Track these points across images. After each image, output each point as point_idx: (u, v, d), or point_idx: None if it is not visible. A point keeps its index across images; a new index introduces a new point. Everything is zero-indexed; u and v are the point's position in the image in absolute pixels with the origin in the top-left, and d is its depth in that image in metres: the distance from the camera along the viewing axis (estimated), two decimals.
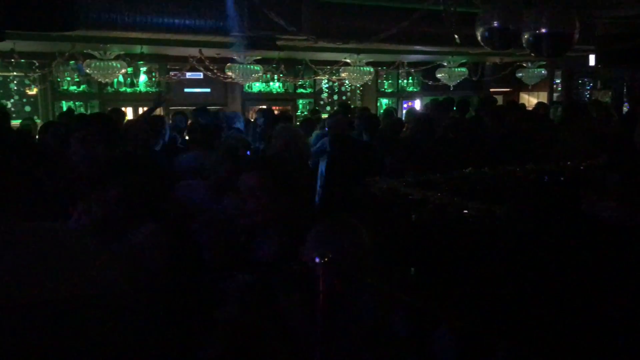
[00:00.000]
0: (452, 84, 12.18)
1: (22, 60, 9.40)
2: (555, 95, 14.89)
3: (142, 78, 11.26)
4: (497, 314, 2.00)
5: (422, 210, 3.32)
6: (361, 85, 12.47)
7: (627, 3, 9.17)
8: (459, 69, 12.08)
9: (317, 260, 1.42)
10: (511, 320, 1.86)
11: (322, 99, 13.37)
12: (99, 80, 9.40)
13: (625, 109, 12.62)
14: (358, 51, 10.55)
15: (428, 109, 8.77)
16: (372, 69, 11.18)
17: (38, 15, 5.19)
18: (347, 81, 12.17)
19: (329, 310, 1.31)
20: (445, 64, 12.11)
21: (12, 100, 10.37)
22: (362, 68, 10.91)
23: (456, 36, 7.82)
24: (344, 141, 5.38)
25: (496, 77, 13.43)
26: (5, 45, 8.46)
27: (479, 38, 6.86)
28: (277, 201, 2.84)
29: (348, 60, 11.01)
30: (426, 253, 3.40)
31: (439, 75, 12.21)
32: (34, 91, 10.52)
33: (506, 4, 6.59)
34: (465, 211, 3.14)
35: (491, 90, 14.32)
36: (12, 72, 9.93)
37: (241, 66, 9.86)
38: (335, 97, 13.45)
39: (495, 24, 6.43)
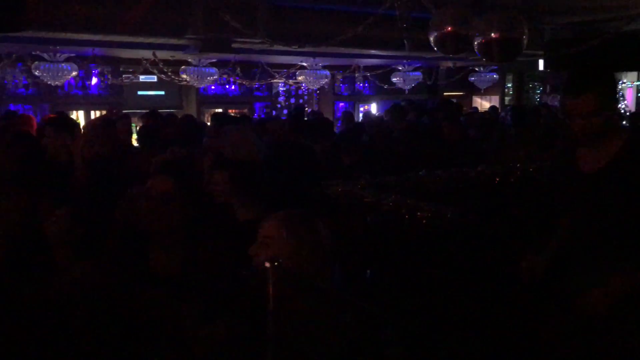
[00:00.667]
0: (407, 87, 12.35)
1: None
2: (507, 99, 15.28)
3: (94, 81, 11.00)
4: (447, 314, 2.04)
5: (376, 213, 3.35)
6: (318, 89, 12.51)
7: (574, 10, 9.51)
8: (413, 73, 12.26)
9: (267, 265, 1.41)
10: (461, 321, 1.90)
11: (279, 102, 13.36)
12: (49, 82, 9.14)
13: None
14: (314, 55, 10.58)
15: (386, 113, 8.88)
16: (328, 73, 11.23)
17: None
18: (303, 84, 12.18)
19: (278, 316, 1.30)
20: (400, 68, 12.27)
21: None
22: (318, 72, 10.95)
23: (406, 42, 7.95)
24: (280, 146, 5.27)
25: (450, 81, 13.70)
26: None
27: (432, 43, 6.97)
28: (175, 208, 2.68)
29: (304, 64, 11.04)
30: (381, 255, 3.43)
31: (394, 80, 12.36)
32: None
33: (458, 9, 6.73)
34: (419, 213, 3.18)
35: (445, 94, 14.60)
36: None
37: (196, 69, 9.75)
38: (292, 100, 13.45)
39: (447, 28, 6.56)
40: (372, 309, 1.52)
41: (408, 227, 3.27)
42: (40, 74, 8.83)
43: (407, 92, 12.42)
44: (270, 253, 1.80)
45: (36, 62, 8.84)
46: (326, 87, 12.40)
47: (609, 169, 2.34)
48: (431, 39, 6.95)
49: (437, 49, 7.05)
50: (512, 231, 3.63)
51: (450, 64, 13.07)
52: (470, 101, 15.12)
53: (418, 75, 12.33)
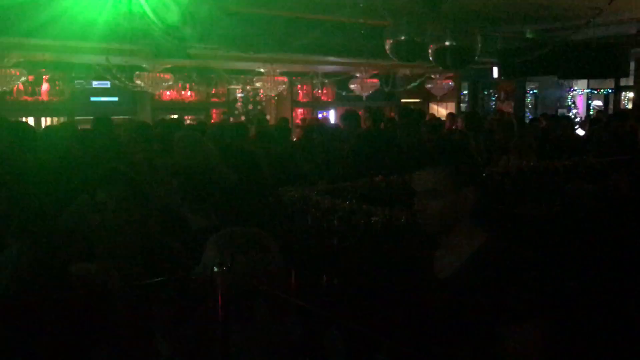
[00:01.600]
0: (364, 94, 12.44)
1: None
2: (463, 106, 15.57)
3: (45, 87, 10.69)
4: (399, 318, 2.03)
5: (331, 218, 3.34)
6: (276, 95, 12.48)
7: (525, 19, 9.77)
8: (371, 80, 12.36)
9: (216, 269, 1.38)
10: (413, 325, 1.89)
11: (237, 109, 13.26)
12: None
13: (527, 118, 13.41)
14: (272, 61, 10.56)
15: (341, 120, 8.90)
16: (286, 79, 11.21)
17: None
18: (261, 91, 12.14)
19: (227, 319, 1.27)
20: (357, 75, 12.36)
21: None
22: (276, 78, 10.92)
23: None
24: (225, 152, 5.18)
25: (407, 88, 13.87)
26: None
27: (388, 50, 7.05)
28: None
29: (262, 70, 11.00)
30: (336, 260, 3.42)
31: (351, 86, 12.44)
32: None
33: (413, 17, 6.83)
34: (373, 218, 3.18)
35: (402, 100, 14.77)
36: None
37: (150, 75, 9.59)
38: (250, 106, 13.37)
39: (402, 36, 6.65)
40: (319, 312, 1.50)
41: (363, 232, 3.27)
42: None
43: (365, 98, 12.51)
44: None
45: None
46: (284, 93, 12.38)
47: (456, 277, 1.84)
48: (387, 46, 7.04)
49: (393, 56, 7.14)
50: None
51: (407, 71, 13.24)
52: (427, 108, 15.34)
53: (375, 82, 12.43)
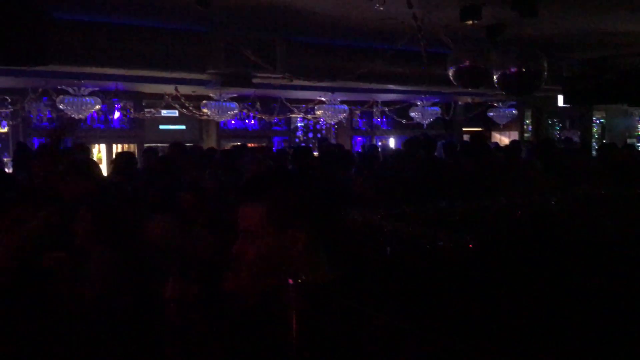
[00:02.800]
0: (425, 122, 12.39)
1: None
2: (525, 135, 15.23)
3: (117, 115, 11.20)
4: (468, 344, 1.99)
5: (396, 243, 3.32)
6: (336, 123, 12.61)
7: (591, 46, 9.53)
8: (431, 108, 12.30)
9: (290, 281, 1.40)
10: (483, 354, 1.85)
11: (297, 137, 13.47)
12: (73, 116, 9.32)
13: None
14: (332, 90, 10.70)
15: (403, 146, 8.88)
16: (346, 107, 11.32)
17: (10, 50, 5.17)
18: (322, 119, 12.30)
19: (302, 333, 1.28)
20: (418, 103, 12.33)
21: None
22: (336, 106, 11.04)
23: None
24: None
25: (468, 116, 13.72)
26: None
27: (451, 77, 7.04)
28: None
29: (323, 99, 11.15)
30: (401, 285, 3.38)
31: (412, 114, 12.41)
32: (4, 130, 10.40)
33: (476, 44, 6.80)
34: (441, 243, 3.14)
35: (463, 129, 14.60)
36: None
37: (217, 103, 9.89)
38: (310, 134, 13.55)
39: (466, 63, 6.63)
40: (398, 323, 1.49)
41: (429, 257, 3.22)
42: (65, 107, 9.02)
43: (425, 127, 12.45)
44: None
45: (61, 96, 9.05)
46: (344, 121, 12.49)
47: None
48: (450, 73, 7.02)
49: (456, 83, 7.11)
50: (534, 264, 3.57)
51: (468, 99, 13.11)
52: (490, 137, 15.08)
53: (436, 110, 12.37)
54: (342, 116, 11.34)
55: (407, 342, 1.48)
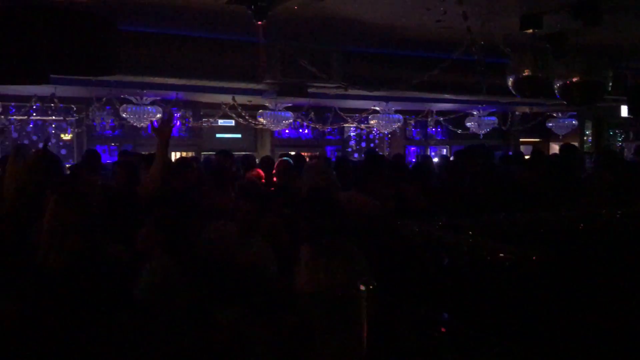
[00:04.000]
0: (481, 132, 12.18)
1: (61, 105, 9.72)
2: (585, 146, 14.76)
3: (176, 123, 11.52)
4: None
5: (455, 254, 3.28)
6: (389, 133, 12.56)
7: None
8: (488, 118, 12.09)
9: (362, 288, 1.41)
10: None
11: (350, 146, 13.49)
12: (134, 124, 9.65)
13: None
14: (387, 99, 10.67)
15: (456, 157, 8.76)
16: (400, 117, 11.26)
17: (80, 61, 5.39)
18: (375, 129, 12.30)
19: (373, 340, 1.29)
20: (474, 113, 12.14)
21: (49, 144, 10.68)
22: (390, 116, 11.01)
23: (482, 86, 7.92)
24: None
25: (526, 127, 13.41)
26: (46, 90, 8.80)
27: (510, 86, 6.90)
28: None
29: (377, 108, 11.14)
30: (459, 297, 3.33)
31: (468, 124, 12.24)
32: (68, 137, 10.85)
33: (536, 52, 6.65)
34: (501, 254, 3.08)
35: (521, 140, 14.28)
36: (51, 116, 10.26)
37: (272, 113, 10.03)
38: (363, 144, 13.55)
39: (526, 72, 6.48)
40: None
41: (489, 269, 3.17)
42: (127, 116, 9.34)
43: (481, 137, 12.24)
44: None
45: (124, 105, 9.38)
46: (398, 131, 12.43)
47: None
48: (509, 82, 6.89)
49: (515, 92, 6.97)
50: (599, 278, 3.45)
51: (526, 109, 12.82)
52: (548, 148, 14.69)
53: (493, 120, 12.15)
54: (396, 126, 11.30)
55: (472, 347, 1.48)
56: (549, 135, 14.25)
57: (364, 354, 1.28)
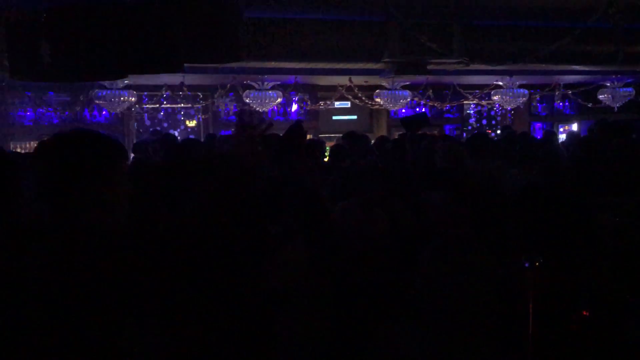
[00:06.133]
0: (616, 105, 11.26)
1: (189, 93, 10.24)
2: None
3: (294, 107, 11.74)
4: None
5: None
6: (512, 109, 11.98)
7: None
8: (624, 89, 11.14)
9: (527, 265, 1.33)
10: None
11: (470, 124, 13.05)
12: (257, 109, 9.94)
13: None
14: (511, 73, 10.17)
15: (592, 132, 8.14)
16: (526, 92, 10.68)
17: (210, 48, 5.59)
18: (497, 105, 11.78)
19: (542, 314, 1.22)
20: (608, 84, 11.25)
21: (178, 130, 11.32)
22: (515, 90, 10.47)
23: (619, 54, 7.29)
24: None
25: None
26: (176, 78, 9.30)
27: None
28: None
29: (500, 83, 10.65)
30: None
31: (600, 97, 11.35)
32: (192, 123, 11.42)
33: None
34: None
35: None
36: (180, 104, 10.86)
37: (390, 92, 9.91)
38: (484, 121, 13.05)
39: None
40: None
41: None
42: (250, 101, 9.64)
43: (615, 110, 11.32)
44: None
45: (247, 91, 9.69)
46: (521, 107, 11.81)
47: None
48: None
49: None
50: None
51: None
52: None
53: (629, 91, 11.17)
54: (521, 101, 10.74)
55: None
56: None
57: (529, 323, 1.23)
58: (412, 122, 5.49)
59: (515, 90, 10.50)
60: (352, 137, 6.76)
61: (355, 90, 10.40)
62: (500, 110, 12.59)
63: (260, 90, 9.61)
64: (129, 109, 9.97)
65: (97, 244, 1.50)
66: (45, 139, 1.67)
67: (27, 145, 9.82)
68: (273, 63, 8.64)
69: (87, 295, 1.43)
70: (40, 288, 1.45)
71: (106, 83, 8.79)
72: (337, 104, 11.53)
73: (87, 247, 1.49)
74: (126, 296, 1.48)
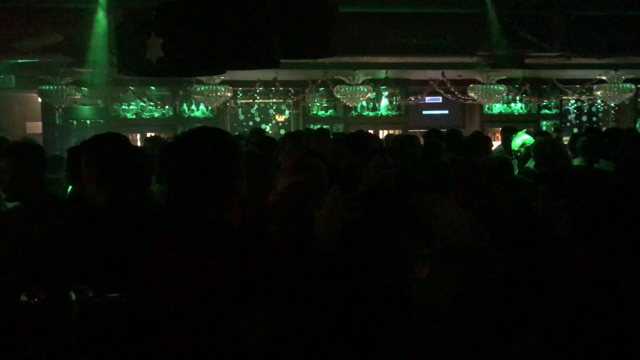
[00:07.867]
0: None
1: (281, 88, 10.43)
2: None
3: (384, 102, 11.66)
4: None
5: None
6: (615, 105, 11.28)
7: None
8: None
9: None
10: None
11: (569, 120, 12.42)
12: (347, 104, 9.98)
13: None
14: (616, 67, 9.59)
15: None
16: (632, 86, 10.03)
17: (306, 43, 5.66)
18: (599, 101, 11.14)
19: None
20: None
21: (269, 125, 11.58)
22: (620, 85, 9.86)
23: None
24: None
25: None
26: (269, 74, 9.50)
27: None
28: None
29: (603, 77, 10.05)
30: None
31: None
32: (282, 118, 11.64)
33: None
34: None
35: None
36: (272, 99, 11.10)
37: (484, 87, 9.61)
38: (584, 118, 12.38)
39: None
40: None
41: None
42: (341, 96, 9.69)
43: None
44: None
45: (337, 86, 9.74)
46: (627, 102, 11.09)
47: None
48: None
49: None
50: None
51: None
52: None
53: None
54: (627, 96, 10.08)
55: None
56: None
57: None
58: None
59: (621, 85, 9.88)
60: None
61: (448, 85, 10.19)
62: (603, 106, 11.91)
63: (350, 85, 9.63)
64: (224, 104, 10.30)
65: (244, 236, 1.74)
66: (167, 136, 1.86)
67: (131, 138, 10.38)
68: (365, 58, 8.63)
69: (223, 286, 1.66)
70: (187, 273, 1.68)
71: (204, 79, 9.13)
72: (428, 99, 11.34)
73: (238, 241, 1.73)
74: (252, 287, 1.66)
